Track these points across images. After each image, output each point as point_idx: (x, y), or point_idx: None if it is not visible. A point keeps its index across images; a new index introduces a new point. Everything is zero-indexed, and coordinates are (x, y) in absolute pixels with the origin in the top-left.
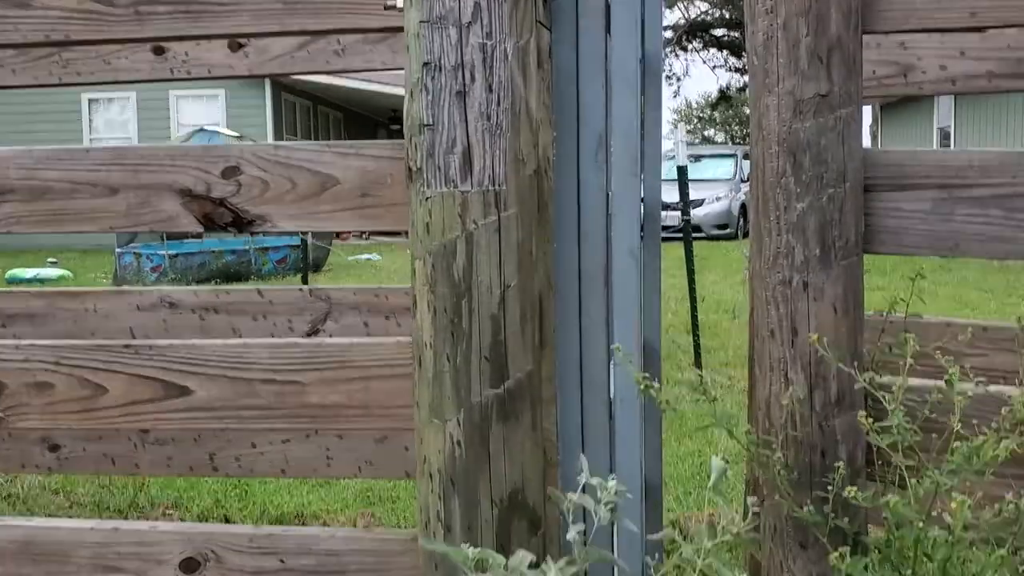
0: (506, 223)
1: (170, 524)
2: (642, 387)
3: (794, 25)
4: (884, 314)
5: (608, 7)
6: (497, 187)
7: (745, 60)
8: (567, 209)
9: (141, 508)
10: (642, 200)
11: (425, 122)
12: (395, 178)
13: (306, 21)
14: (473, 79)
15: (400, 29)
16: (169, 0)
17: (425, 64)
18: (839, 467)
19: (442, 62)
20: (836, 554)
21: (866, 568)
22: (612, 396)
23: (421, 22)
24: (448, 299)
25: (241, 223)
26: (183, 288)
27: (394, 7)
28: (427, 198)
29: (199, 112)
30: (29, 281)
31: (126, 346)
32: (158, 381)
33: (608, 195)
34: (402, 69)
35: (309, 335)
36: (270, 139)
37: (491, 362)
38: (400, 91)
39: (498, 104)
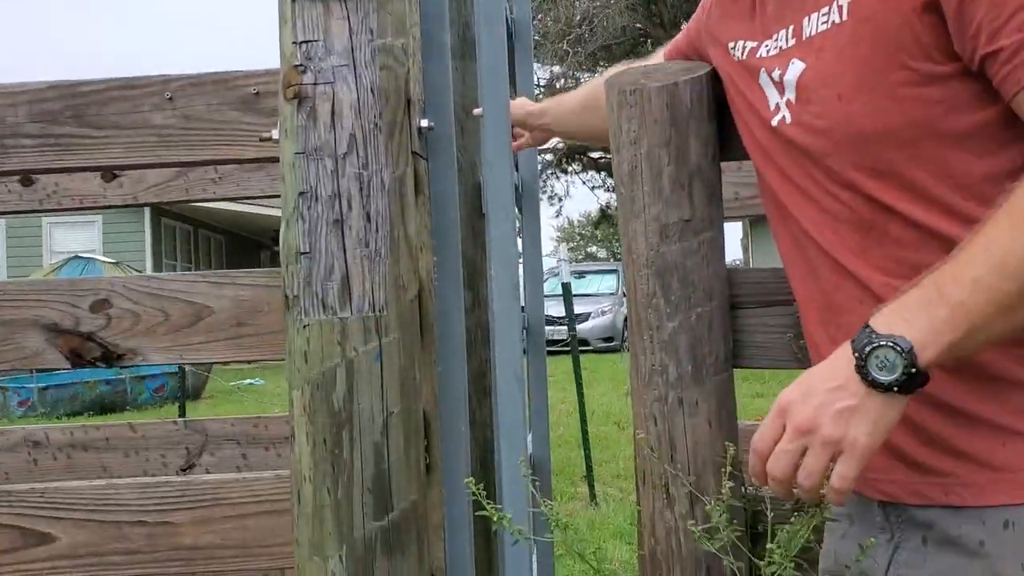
0: (388, 349)
1: None
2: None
3: (656, 155)
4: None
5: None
6: (377, 313)
7: None
8: (451, 332)
9: None
10: (524, 318)
11: (302, 250)
12: (272, 306)
13: (181, 153)
14: (350, 208)
15: (276, 159)
16: (36, 133)
17: (301, 194)
18: None
19: (318, 192)
20: None
21: None
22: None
23: (296, 153)
24: (328, 429)
25: (110, 357)
26: (48, 425)
27: (270, 139)
28: (305, 326)
29: (74, 239)
30: None
31: None
32: (16, 528)
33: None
34: (279, 196)
35: (184, 470)
36: (149, 265)
37: (374, 494)
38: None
39: (376, 231)
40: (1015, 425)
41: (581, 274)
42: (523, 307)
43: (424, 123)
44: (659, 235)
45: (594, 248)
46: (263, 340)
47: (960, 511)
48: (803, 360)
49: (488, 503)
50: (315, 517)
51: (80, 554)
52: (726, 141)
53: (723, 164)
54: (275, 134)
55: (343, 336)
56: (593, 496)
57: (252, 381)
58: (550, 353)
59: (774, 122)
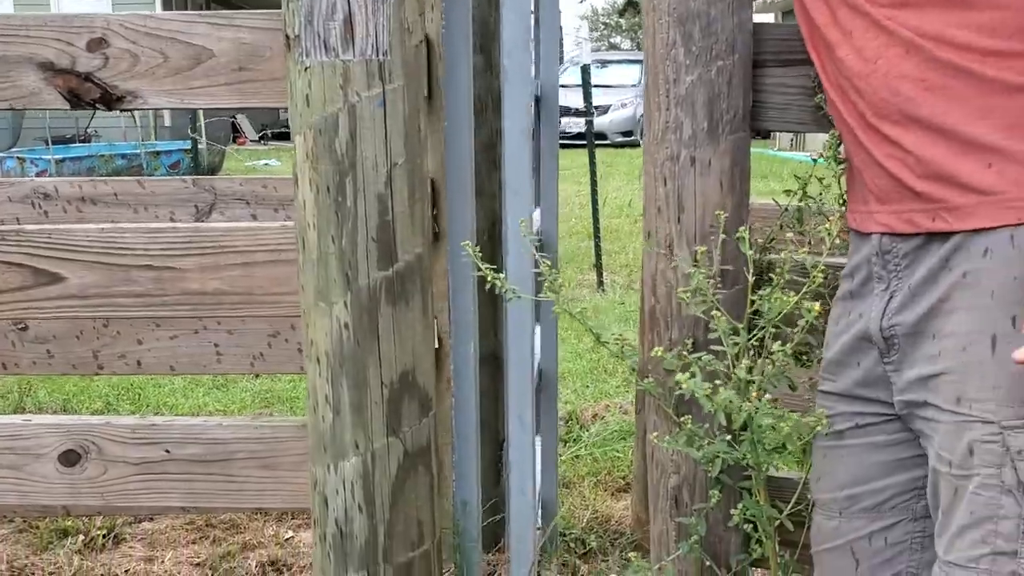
0: (391, 96)
1: (47, 417)
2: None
3: None
4: (774, 200)
5: None
6: (381, 57)
7: None
8: (458, 87)
9: (28, 414)
10: (538, 85)
11: None
12: (274, 51)
13: None
14: None
15: None
16: None
17: None
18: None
19: None
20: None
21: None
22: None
23: None
24: (331, 176)
25: (110, 99)
26: (59, 179)
27: None
28: (306, 68)
29: (83, 8)
30: None
31: None
32: (27, 268)
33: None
34: None
35: None
36: None
37: (379, 243)
38: None
39: None
40: (1000, 144)
41: (603, 63)
42: (536, 74)
43: None
44: None
45: (618, 39)
46: (265, 86)
47: (945, 241)
48: (820, 123)
49: (486, 266)
50: (320, 263)
51: (89, 295)
52: None
53: None
54: None
55: (345, 80)
56: (600, 283)
57: (268, 162)
58: (566, 146)
59: None
